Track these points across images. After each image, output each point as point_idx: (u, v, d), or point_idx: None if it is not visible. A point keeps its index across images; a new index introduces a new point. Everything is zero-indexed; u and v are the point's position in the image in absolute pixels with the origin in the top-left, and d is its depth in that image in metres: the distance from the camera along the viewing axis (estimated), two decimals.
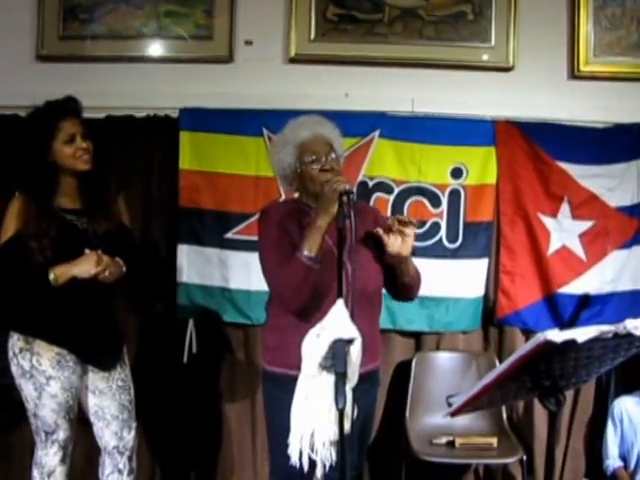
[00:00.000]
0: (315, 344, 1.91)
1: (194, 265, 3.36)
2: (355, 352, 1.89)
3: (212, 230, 3.37)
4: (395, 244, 2.19)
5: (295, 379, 2.05)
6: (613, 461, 3.14)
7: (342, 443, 1.83)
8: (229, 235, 3.37)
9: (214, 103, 3.35)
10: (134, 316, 3.35)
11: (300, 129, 2.31)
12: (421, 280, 2.38)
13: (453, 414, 1.68)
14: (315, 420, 1.91)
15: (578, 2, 3.44)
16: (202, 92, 3.38)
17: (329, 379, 1.89)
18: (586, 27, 3.43)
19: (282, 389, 2.22)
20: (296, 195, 2.45)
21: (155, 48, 3.45)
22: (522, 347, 1.45)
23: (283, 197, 3.30)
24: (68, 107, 2.55)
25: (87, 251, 2.46)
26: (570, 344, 1.34)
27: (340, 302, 1.96)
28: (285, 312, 2.24)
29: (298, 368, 2.05)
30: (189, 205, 3.36)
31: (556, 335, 1.32)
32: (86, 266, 2.44)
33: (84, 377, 2.61)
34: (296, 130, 2.32)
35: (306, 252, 2.13)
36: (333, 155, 2.29)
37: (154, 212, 3.39)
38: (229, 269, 3.36)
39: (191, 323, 3.36)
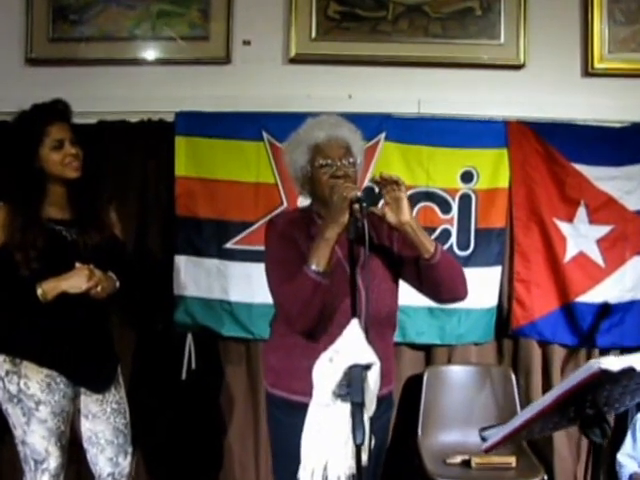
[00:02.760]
0: (328, 370, 1.76)
1: (192, 277, 3.25)
2: (373, 378, 1.74)
3: (210, 240, 3.25)
4: (390, 213, 2.00)
5: (301, 405, 1.94)
6: (631, 466, 2.95)
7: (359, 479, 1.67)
8: (228, 245, 3.25)
9: (211, 106, 3.25)
10: (129, 332, 3.24)
11: (316, 129, 2.14)
12: (456, 264, 2.14)
13: (488, 450, 1.51)
14: (328, 453, 1.75)
15: None
16: (198, 95, 3.27)
17: (344, 408, 1.74)
18: (600, 22, 3.29)
19: (287, 413, 2.11)
20: (302, 201, 2.29)
21: (148, 50, 3.34)
22: (571, 377, 1.33)
23: (285, 204, 3.22)
24: (56, 110, 2.42)
25: (78, 265, 2.34)
26: (626, 372, 1.18)
27: (355, 322, 1.81)
28: (291, 331, 2.09)
29: (303, 393, 1.96)
30: (186, 214, 3.24)
31: (612, 363, 1.17)
32: (77, 281, 2.32)
33: (76, 400, 2.48)
34: (311, 130, 2.15)
35: (314, 266, 1.96)
36: (350, 160, 2.12)
37: (149, 222, 3.27)
38: (229, 281, 3.24)
39: (189, 338, 3.25)
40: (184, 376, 3.23)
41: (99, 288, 2.35)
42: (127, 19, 3.28)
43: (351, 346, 1.75)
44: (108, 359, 2.56)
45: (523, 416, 1.49)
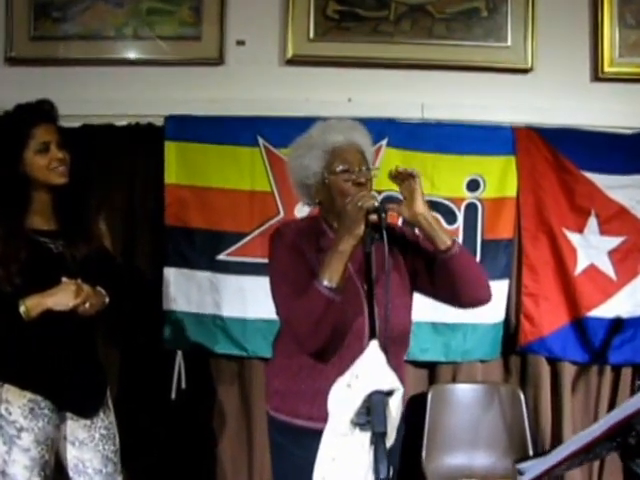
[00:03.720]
0: (346, 396, 1.61)
1: (182, 291, 3.12)
2: (395, 406, 1.60)
3: (202, 251, 3.12)
4: (405, 207, 1.90)
5: (306, 430, 1.86)
6: None
7: None
8: (221, 257, 3.12)
9: (203, 110, 3.12)
10: (115, 349, 3.08)
11: (332, 132, 2.00)
12: (476, 262, 2.04)
13: None
14: None
15: None
16: (190, 98, 3.15)
17: (363, 438, 1.59)
18: (610, 25, 3.19)
19: (292, 440, 1.98)
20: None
21: (137, 49, 3.20)
22: (626, 405, 1.24)
23: (282, 214, 3.09)
24: (42, 111, 2.27)
25: (64, 279, 2.19)
26: None
27: (374, 344, 1.66)
28: (298, 351, 1.94)
29: (309, 418, 1.89)
30: (176, 224, 3.11)
31: None
32: (63, 297, 2.17)
33: (62, 426, 2.31)
34: (327, 133, 2.01)
35: (326, 282, 1.82)
36: (366, 166, 1.99)
37: (137, 232, 3.14)
38: (222, 295, 3.11)
39: (179, 355, 3.11)
40: (174, 396, 3.09)
41: (87, 305, 2.20)
42: (114, 17, 3.15)
43: (371, 370, 1.61)
44: (97, 381, 2.40)
45: (569, 448, 1.39)
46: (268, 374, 2.14)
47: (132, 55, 3.20)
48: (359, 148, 2.01)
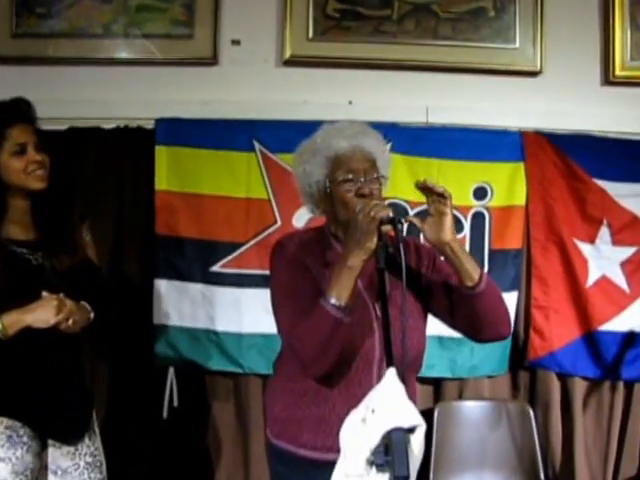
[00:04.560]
0: (361, 433, 1.47)
1: (174, 304, 3.00)
2: (417, 443, 1.46)
3: (195, 262, 3.01)
4: (431, 229, 1.74)
5: (312, 461, 1.79)
6: None
7: None
8: (215, 268, 3.00)
9: (196, 112, 3.02)
10: (103, 365, 2.96)
11: (336, 137, 1.86)
12: (501, 295, 1.86)
13: None
14: None
15: None
16: (181, 99, 3.05)
17: None
18: (621, 27, 3.07)
19: (294, 470, 1.86)
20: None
21: (126, 48, 3.09)
22: None
23: (279, 223, 2.97)
24: (18, 111, 2.15)
25: (45, 294, 2.06)
26: None
27: (392, 373, 1.52)
28: (301, 375, 1.80)
29: (313, 447, 1.79)
30: (167, 233, 3.00)
31: None
32: (44, 314, 2.04)
33: (43, 454, 2.16)
34: (331, 137, 1.86)
35: (334, 300, 1.66)
36: (374, 175, 1.84)
37: (125, 242, 3.02)
38: (216, 308, 2.99)
39: (171, 372, 3.00)
40: (165, 415, 2.97)
41: (70, 321, 2.07)
42: (102, 13, 3.04)
43: (390, 404, 1.47)
44: (82, 404, 2.25)
45: None
46: (268, 398, 1.99)
47: (121, 54, 3.10)
48: (367, 155, 1.86)
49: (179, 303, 2.99)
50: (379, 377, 1.72)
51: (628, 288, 3.00)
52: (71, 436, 2.19)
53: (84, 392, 2.27)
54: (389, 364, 1.59)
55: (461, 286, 1.77)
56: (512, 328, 1.89)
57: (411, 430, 1.44)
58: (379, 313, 1.79)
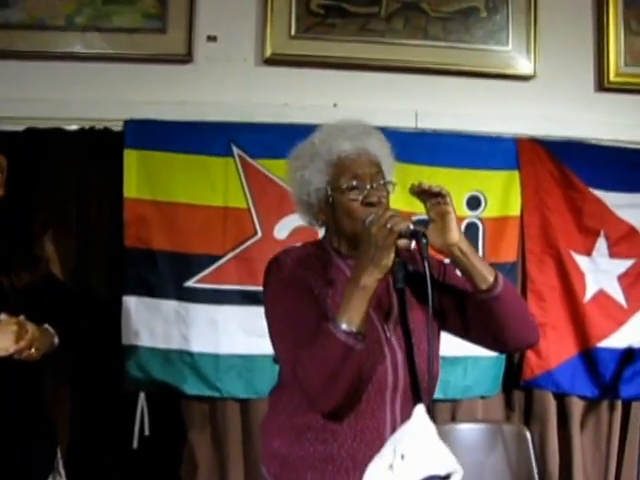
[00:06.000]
0: None
1: (145, 323, 2.81)
2: None
3: (168, 277, 2.83)
4: (436, 234, 1.61)
5: None
6: None
7: None
8: (190, 284, 2.83)
9: (169, 113, 2.86)
10: (66, 390, 2.76)
11: (338, 138, 1.69)
12: (521, 297, 1.78)
13: None
14: None
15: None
16: (153, 99, 2.89)
17: None
18: (615, 30, 3.00)
19: None
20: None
21: (91, 43, 2.90)
22: None
23: (259, 234, 2.82)
24: None
25: (3, 317, 1.90)
26: None
27: (421, 411, 1.34)
28: (303, 409, 1.62)
29: None
30: (137, 245, 2.82)
31: None
32: (2, 341, 1.87)
33: None
34: (332, 139, 1.69)
35: (344, 325, 1.49)
36: (381, 181, 1.68)
37: (91, 256, 2.83)
38: (190, 327, 2.81)
39: (142, 397, 2.81)
40: (135, 445, 2.78)
41: (32, 349, 1.89)
42: (65, 4, 2.85)
43: (422, 448, 1.31)
44: (44, 442, 2.06)
45: None
46: (265, 432, 1.78)
47: (86, 49, 2.92)
48: (373, 159, 1.70)
49: (150, 322, 2.81)
50: (392, 407, 1.60)
51: (626, 302, 2.91)
52: (32, 478, 1.97)
53: (46, 428, 2.08)
54: (416, 398, 1.42)
55: (476, 292, 1.62)
56: (540, 334, 1.74)
57: (446, 478, 1.27)
58: (389, 335, 1.63)
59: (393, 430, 1.57)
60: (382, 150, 1.75)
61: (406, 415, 1.56)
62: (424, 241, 1.49)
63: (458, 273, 1.73)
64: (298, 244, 1.88)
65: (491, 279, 1.60)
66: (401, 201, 2.77)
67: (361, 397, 1.59)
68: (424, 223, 1.65)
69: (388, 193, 1.70)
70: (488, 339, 1.71)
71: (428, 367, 1.51)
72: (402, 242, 1.50)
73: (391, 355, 1.61)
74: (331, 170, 1.67)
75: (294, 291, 1.64)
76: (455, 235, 1.60)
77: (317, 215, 1.74)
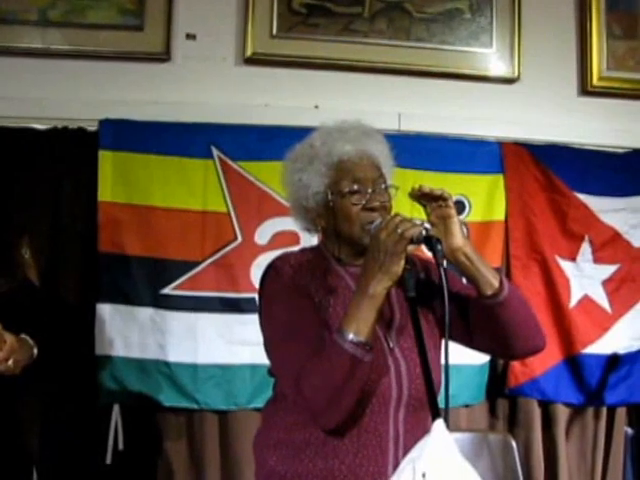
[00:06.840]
0: None
1: (119, 331, 2.71)
2: None
3: (144, 284, 2.74)
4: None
5: None
6: None
7: None
8: (167, 291, 2.74)
9: (145, 113, 2.78)
10: (36, 404, 2.60)
11: (339, 140, 1.62)
12: (528, 301, 1.67)
13: None
14: None
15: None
16: (129, 99, 2.81)
17: None
18: (598, 34, 2.99)
19: None
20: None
21: (65, 38, 2.80)
22: None
23: (240, 239, 2.73)
24: None
25: None
26: None
27: (441, 427, 1.27)
28: (301, 424, 1.55)
29: None
30: (112, 250, 2.72)
31: None
32: None
33: None
34: (332, 141, 1.63)
35: (352, 335, 1.42)
36: (382, 185, 1.60)
37: (62, 261, 2.72)
38: (167, 336, 2.72)
39: (116, 410, 2.70)
40: (109, 460, 2.67)
41: (10, 362, 1.79)
42: None
43: (443, 466, 1.22)
44: (19, 462, 1.96)
45: None
46: (259, 448, 1.69)
47: (59, 45, 2.81)
48: (374, 162, 1.64)
49: (125, 330, 2.71)
50: (395, 421, 1.54)
51: (610, 308, 2.88)
52: None
53: (21, 448, 1.97)
54: (435, 414, 1.34)
55: (481, 297, 1.56)
56: (546, 339, 1.69)
57: None
58: (392, 346, 1.56)
59: (396, 444, 1.51)
60: (383, 153, 1.69)
61: (409, 429, 1.53)
62: (439, 247, 1.42)
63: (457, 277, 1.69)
64: (295, 249, 1.80)
65: (496, 284, 1.55)
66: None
67: (364, 411, 1.52)
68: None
69: (390, 197, 1.63)
70: (494, 346, 1.66)
71: (446, 383, 1.42)
72: (410, 248, 1.44)
73: (395, 367, 1.55)
74: (331, 173, 1.61)
75: (294, 300, 1.57)
76: (459, 239, 1.55)
77: (315, 220, 1.67)
